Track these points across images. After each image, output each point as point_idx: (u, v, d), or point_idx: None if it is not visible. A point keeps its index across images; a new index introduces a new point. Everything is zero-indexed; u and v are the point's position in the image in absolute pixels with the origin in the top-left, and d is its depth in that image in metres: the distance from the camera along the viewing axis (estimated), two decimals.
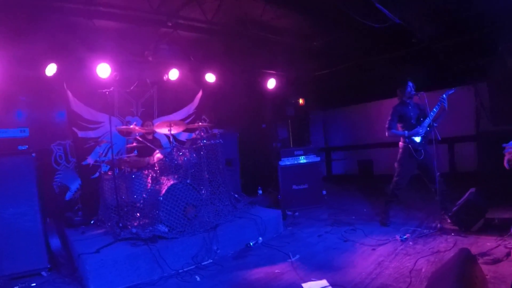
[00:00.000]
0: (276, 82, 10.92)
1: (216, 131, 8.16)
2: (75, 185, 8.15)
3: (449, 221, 6.13)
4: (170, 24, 8.27)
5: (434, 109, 6.31)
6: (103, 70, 7.67)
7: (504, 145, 4.50)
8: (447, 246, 5.31)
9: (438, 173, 6.25)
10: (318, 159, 9.17)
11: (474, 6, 7.53)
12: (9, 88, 7.10)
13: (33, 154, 5.70)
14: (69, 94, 8.10)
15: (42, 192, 5.76)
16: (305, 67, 11.53)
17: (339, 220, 7.42)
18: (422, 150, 6.42)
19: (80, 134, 8.21)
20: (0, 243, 5.23)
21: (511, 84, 8.37)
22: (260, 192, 9.26)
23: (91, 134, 8.34)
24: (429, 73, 8.81)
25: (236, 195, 7.64)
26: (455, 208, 5.97)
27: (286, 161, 8.93)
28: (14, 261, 5.28)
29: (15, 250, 5.31)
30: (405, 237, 5.79)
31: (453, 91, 6.30)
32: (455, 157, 10.65)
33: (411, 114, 6.58)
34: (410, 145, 6.42)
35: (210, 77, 9.68)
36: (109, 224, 6.42)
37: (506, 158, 4.48)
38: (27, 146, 5.74)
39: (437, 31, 8.60)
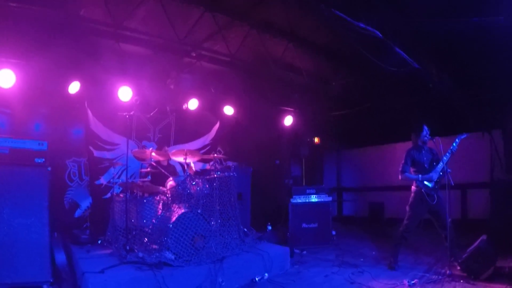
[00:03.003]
0: (293, 119, 10.98)
1: (230, 163, 8.20)
2: (85, 203, 8.18)
3: (458, 268, 6.00)
4: (194, 55, 8.45)
5: (447, 154, 6.29)
6: (125, 93, 7.81)
7: None
8: None
9: (450, 219, 6.17)
10: (329, 199, 9.10)
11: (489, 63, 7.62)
12: (31, 99, 7.28)
13: (49, 168, 5.75)
14: (89, 113, 8.25)
15: (52, 206, 5.75)
16: (321, 107, 11.62)
17: (346, 262, 7.28)
18: (435, 195, 6.36)
19: (96, 153, 8.30)
20: (4, 251, 5.21)
21: None
22: (270, 228, 9.16)
23: (107, 155, 8.42)
24: (445, 118, 8.83)
25: (245, 229, 7.58)
26: (465, 255, 5.87)
27: (298, 199, 8.87)
28: (16, 270, 5.22)
29: (18, 260, 5.26)
30: (413, 282, 5.66)
31: (465, 135, 6.32)
32: (467, 203, 10.47)
33: (425, 158, 6.57)
34: (423, 190, 6.37)
35: (229, 110, 9.77)
36: (116, 245, 6.40)
37: None
38: (44, 159, 5.77)
39: (454, 79, 8.66)
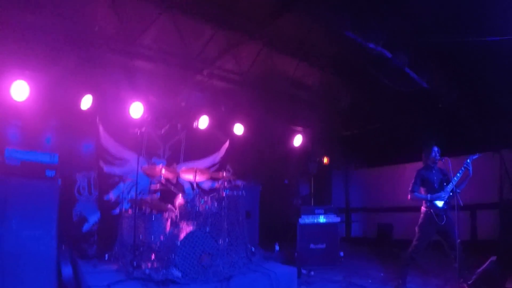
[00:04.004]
0: (302, 138, 10.98)
1: (239, 182, 8.19)
2: (93, 218, 8.18)
3: None
4: (205, 73, 8.53)
5: (458, 174, 6.27)
6: (136, 109, 7.87)
7: None
8: None
9: (459, 240, 6.10)
10: (338, 219, 9.06)
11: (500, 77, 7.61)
12: (43, 112, 7.31)
13: (59, 181, 5.79)
14: (100, 127, 8.30)
15: (61, 219, 5.78)
16: (331, 126, 11.65)
17: (354, 283, 7.22)
18: (444, 216, 6.32)
19: (106, 168, 8.33)
20: (11, 262, 5.23)
21: None
22: (277, 247, 9.11)
23: (116, 170, 8.45)
24: (454, 138, 8.79)
25: (253, 248, 7.54)
26: (474, 277, 5.81)
27: (306, 219, 8.83)
28: (22, 281, 5.23)
29: (25, 272, 5.27)
30: None
31: (477, 156, 6.29)
32: (476, 224, 10.35)
33: (435, 178, 6.55)
34: (431, 210, 6.35)
35: (239, 128, 9.79)
36: (123, 261, 6.39)
37: None
38: (54, 172, 5.83)
39: (464, 97, 8.64)
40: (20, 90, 6.68)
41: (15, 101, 6.73)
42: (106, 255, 7.04)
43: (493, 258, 5.93)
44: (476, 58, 7.25)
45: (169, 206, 7.33)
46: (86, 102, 7.53)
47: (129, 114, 7.87)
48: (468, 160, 6.23)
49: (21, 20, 6.41)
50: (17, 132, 7.37)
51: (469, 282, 5.89)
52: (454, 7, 6.17)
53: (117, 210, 8.24)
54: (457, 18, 6.32)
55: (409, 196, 6.67)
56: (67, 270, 6.75)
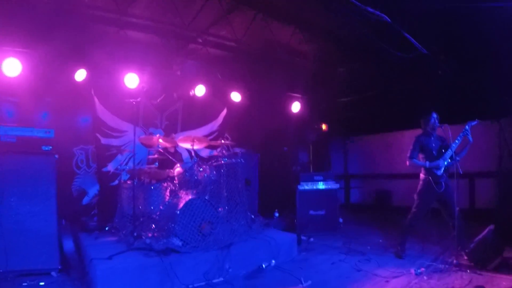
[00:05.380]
0: (300, 105, 10.92)
1: (237, 150, 8.16)
2: (93, 191, 8.22)
3: (465, 257, 5.99)
4: (200, 41, 8.40)
5: (456, 141, 6.22)
6: (131, 80, 7.79)
7: None
8: (462, 283, 5.16)
9: (457, 208, 6.12)
10: (337, 186, 9.06)
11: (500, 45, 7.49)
12: (37, 88, 7.25)
13: (56, 156, 5.77)
14: (96, 100, 8.23)
15: (60, 194, 5.78)
16: (329, 93, 11.55)
17: (353, 249, 7.26)
18: (443, 183, 6.31)
19: (103, 141, 8.30)
20: (12, 239, 5.25)
21: None
22: (277, 214, 9.16)
23: (114, 142, 8.42)
24: (453, 106, 8.70)
25: (253, 216, 7.57)
26: (472, 245, 5.84)
27: (305, 186, 8.84)
28: (24, 258, 5.28)
29: (27, 248, 5.31)
30: (419, 271, 5.63)
31: (476, 122, 6.22)
32: (475, 192, 10.43)
33: (433, 145, 6.50)
34: (430, 177, 6.34)
35: (236, 96, 9.72)
36: (123, 232, 6.41)
37: None
38: (51, 147, 5.80)
39: (463, 65, 8.54)
40: (12, 67, 6.60)
41: (8, 78, 6.66)
42: (107, 227, 7.10)
43: (491, 226, 5.94)
44: (476, 25, 7.10)
45: (168, 171, 7.32)
46: (80, 75, 7.45)
47: (124, 85, 7.80)
48: (467, 126, 6.17)
49: None
50: (12, 109, 7.32)
51: (467, 250, 5.93)
52: None
53: (116, 182, 8.26)
54: None
55: (407, 162, 6.64)
56: (69, 244, 6.82)
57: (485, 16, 6.56)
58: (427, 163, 6.39)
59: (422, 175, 6.56)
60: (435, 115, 6.50)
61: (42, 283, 5.11)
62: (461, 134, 6.20)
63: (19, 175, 5.43)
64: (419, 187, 6.58)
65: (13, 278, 5.13)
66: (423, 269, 5.74)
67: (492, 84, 8.87)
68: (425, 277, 5.47)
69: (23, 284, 5.05)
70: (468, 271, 5.60)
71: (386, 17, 6.43)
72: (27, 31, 6.68)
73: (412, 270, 5.68)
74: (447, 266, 5.89)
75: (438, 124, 6.44)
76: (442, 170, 6.35)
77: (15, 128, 5.67)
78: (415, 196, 6.61)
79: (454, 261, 5.88)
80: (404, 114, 9.79)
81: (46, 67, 7.23)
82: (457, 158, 6.19)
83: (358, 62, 9.62)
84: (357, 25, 7.35)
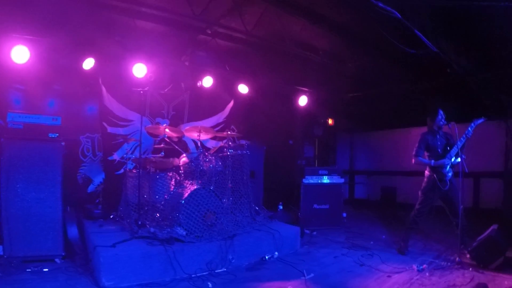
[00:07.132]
0: (307, 99, 10.88)
1: (243, 142, 8.17)
2: (98, 179, 8.27)
3: (468, 256, 5.96)
4: (209, 32, 8.37)
5: (462, 139, 6.18)
6: (139, 70, 7.79)
7: None
8: (463, 281, 5.16)
9: (462, 207, 6.10)
10: (341, 180, 9.05)
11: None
12: (45, 75, 7.25)
13: (63, 143, 5.80)
14: (103, 89, 8.24)
15: (66, 181, 5.83)
16: (336, 87, 11.47)
17: (356, 244, 7.29)
18: (448, 181, 6.29)
19: (110, 129, 8.32)
20: (17, 225, 5.31)
21: None
22: (281, 207, 9.16)
23: (120, 131, 8.44)
24: (461, 105, 8.64)
25: (257, 208, 7.59)
26: (475, 244, 5.82)
27: (310, 179, 8.84)
28: (29, 244, 5.35)
29: (31, 234, 5.38)
30: (422, 267, 5.64)
31: (482, 120, 6.17)
32: (480, 192, 10.36)
33: (439, 143, 6.48)
34: (435, 175, 6.31)
35: (243, 88, 9.70)
36: (128, 220, 6.45)
37: None
38: (57, 134, 5.83)
39: (473, 64, 8.45)
40: (20, 54, 6.60)
41: (17, 65, 6.66)
42: (112, 215, 7.13)
43: (495, 226, 5.93)
44: (488, 24, 7.01)
45: (174, 159, 7.34)
46: (88, 64, 7.46)
47: (132, 74, 7.79)
48: (472, 124, 6.13)
49: None
50: (20, 96, 7.37)
51: (469, 249, 5.91)
52: None
53: (121, 171, 8.29)
54: None
55: (413, 160, 6.62)
56: (73, 231, 6.88)
57: (497, 15, 6.48)
58: (432, 161, 6.36)
59: (427, 173, 6.54)
60: (441, 113, 6.46)
61: (46, 269, 5.16)
62: (466, 132, 6.17)
63: (26, 162, 5.48)
64: (423, 184, 6.57)
65: (17, 264, 5.19)
66: (425, 265, 5.74)
67: (502, 85, 8.81)
68: (427, 274, 5.48)
69: (27, 270, 5.10)
70: (470, 269, 5.60)
71: (397, 13, 6.36)
72: (36, 18, 6.67)
73: (414, 267, 5.69)
74: (449, 263, 5.89)
75: (445, 122, 6.39)
76: (447, 168, 6.32)
77: (22, 114, 5.70)
78: (420, 193, 6.61)
79: (457, 259, 5.88)
80: (411, 111, 9.76)
81: (55, 55, 7.25)
82: (464, 156, 6.17)
83: (367, 58, 9.54)
84: (368, 20, 7.30)
